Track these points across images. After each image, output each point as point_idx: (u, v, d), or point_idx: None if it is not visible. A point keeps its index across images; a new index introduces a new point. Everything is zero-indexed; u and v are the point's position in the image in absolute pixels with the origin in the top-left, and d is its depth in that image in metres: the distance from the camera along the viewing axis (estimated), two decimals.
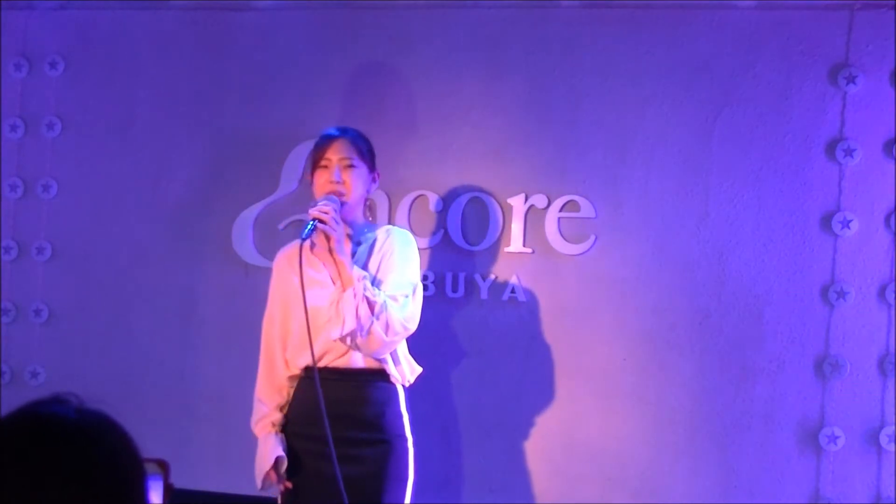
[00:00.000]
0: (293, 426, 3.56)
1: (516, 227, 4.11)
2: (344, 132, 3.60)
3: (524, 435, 4.09)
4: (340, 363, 3.48)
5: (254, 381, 4.31)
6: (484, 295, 4.11)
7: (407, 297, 3.48)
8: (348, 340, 3.41)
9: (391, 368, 3.51)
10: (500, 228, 4.12)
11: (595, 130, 4.11)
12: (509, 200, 4.12)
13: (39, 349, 4.50)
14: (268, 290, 4.29)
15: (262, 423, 3.62)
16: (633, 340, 4.04)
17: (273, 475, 3.54)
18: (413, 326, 3.49)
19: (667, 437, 4.01)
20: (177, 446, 4.28)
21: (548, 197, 4.11)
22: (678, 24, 4.07)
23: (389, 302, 3.41)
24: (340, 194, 3.50)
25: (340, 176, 3.52)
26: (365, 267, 3.49)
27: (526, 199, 4.11)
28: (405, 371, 3.55)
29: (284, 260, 3.66)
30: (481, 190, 4.14)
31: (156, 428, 4.13)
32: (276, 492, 3.62)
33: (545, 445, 4.08)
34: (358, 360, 3.50)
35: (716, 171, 4.02)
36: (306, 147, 4.28)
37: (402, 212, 4.17)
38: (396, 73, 4.27)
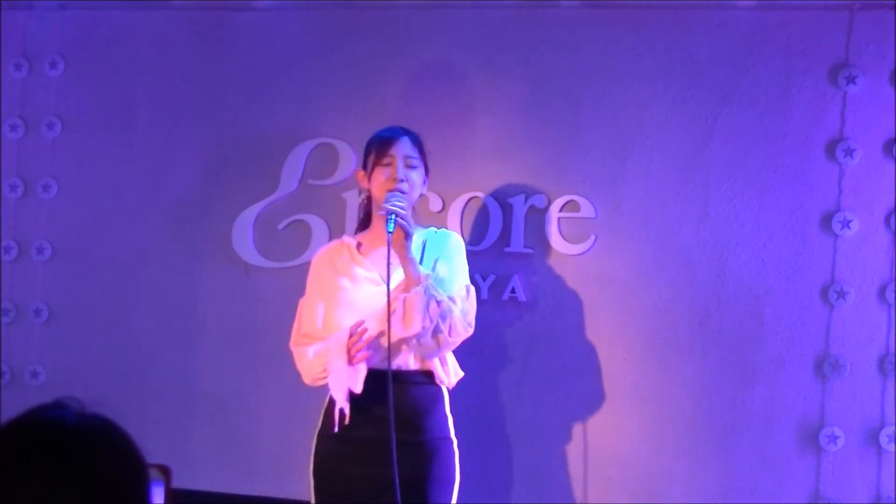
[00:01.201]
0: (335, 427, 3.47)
1: (517, 227, 4.11)
2: (406, 131, 3.57)
3: (524, 435, 4.09)
4: (385, 365, 3.41)
5: (253, 382, 4.32)
6: (484, 295, 4.11)
7: (463, 299, 3.47)
8: (414, 341, 3.40)
9: (439, 371, 3.48)
10: (501, 228, 4.12)
11: (595, 130, 4.11)
12: (510, 200, 4.12)
13: (39, 349, 4.50)
14: (267, 291, 4.30)
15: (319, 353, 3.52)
16: (633, 340, 4.04)
17: (353, 338, 3.39)
18: (472, 328, 3.48)
19: (667, 437, 4.01)
20: (176, 446, 4.28)
21: (548, 197, 4.10)
22: (678, 24, 4.07)
23: (451, 304, 3.41)
24: (402, 192, 3.47)
25: (405, 174, 3.50)
26: None
27: (526, 199, 4.11)
28: (451, 373, 3.53)
29: (326, 257, 3.62)
30: (481, 190, 4.14)
31: (156, 428, 4.13)
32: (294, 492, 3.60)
33: (545, 445, 4.08)
34: (405, 362, 3.46)
35: (716, 171, 4.02)
36: (306, 147, 4.29)
37: None
38: (396, 73, 4.27)
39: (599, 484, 4.03)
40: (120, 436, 1.47)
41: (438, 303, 3.36)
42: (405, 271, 3.40)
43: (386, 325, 3.35)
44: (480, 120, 4.17)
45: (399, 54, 4.27)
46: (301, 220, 4.27)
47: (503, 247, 4.11)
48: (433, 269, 3.48)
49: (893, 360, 3.86)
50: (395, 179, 3.47)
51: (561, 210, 4.09)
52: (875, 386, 3.89)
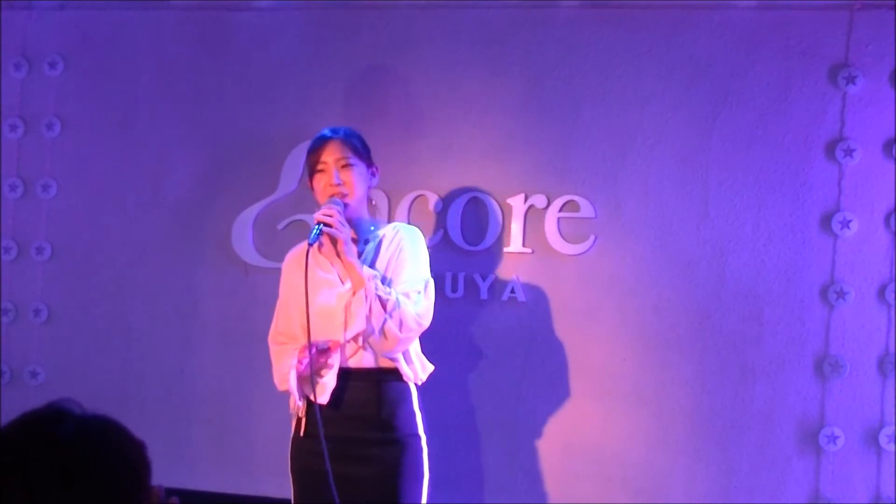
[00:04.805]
0: (305, 426, 3.50)
1: (516, 227, 4.11)
2: (335, 132, 3.57)
3: (524, 435, 4.09)
4: (352, 363, 3.45)
5: (253, 382, 4.31)
6: (484, 295, 4.11)
7: (419, 293, 3.46)
8: (360, 340, 3.41)
9: (403, 367, 3.49)
10: (500, 228, 4.12)
11: (595, 130, 4.11)
12: (509, 200, 4.12)
13: (39, 349, 4.50)
14: (267, 291, 4.30)
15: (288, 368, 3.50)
16: (633, 340, 4.04)
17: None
18: (426, 322, 3.47)
19: (667, 437, 4.01)
20: (176, 446, 4.28)
21: (548, 197, 4.11)
22: (678, 24, 4.07)
23: (402, 299, 3.40)
24: (343, 195, 3.49)
25: (340, 177, 3.50)
26: (373, 265, 3.48)
27: (526, 199, 4.11)
28: (417, 369, 3.53)
29: (293, 260, 3.64)
30: (481, 190, 4.14)
31: (155, 427, 4.13)
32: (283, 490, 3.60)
33: (545, 445, 4.08)
34: (370, 360, 3.47)
35: (716, 170, 4.02)
36: (306, 147, 4.29)
37: (401, 212, 4.17)
38: (396, 73, 4.27)
39: (600, 484, 4.03)
40: (118, 439, 1.46)
41: (384, 301, 3.36)
42: (349, 276, 3.41)
43: (337, 332, 3.38)
44: (480, 120, 4.17)
45: (399, 54, 4.27)
46: (301, 220, 4.27)
47: (503, 247, 4.11)
48: (387, 266, 3.48)
49: (893, 360, 3.86)
50: (332, 185, 3.50)
51: (561, 210, 4.09)
52: (875, 386, 3.89)
